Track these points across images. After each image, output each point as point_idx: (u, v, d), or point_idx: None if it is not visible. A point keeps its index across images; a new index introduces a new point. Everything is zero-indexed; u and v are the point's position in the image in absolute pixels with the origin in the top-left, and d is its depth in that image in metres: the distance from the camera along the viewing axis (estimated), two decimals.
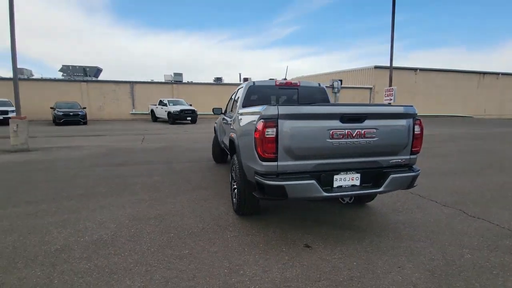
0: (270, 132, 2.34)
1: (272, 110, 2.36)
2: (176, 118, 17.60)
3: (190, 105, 19.58)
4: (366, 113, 2.54)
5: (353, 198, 2.81)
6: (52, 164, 6.28)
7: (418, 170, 2.82)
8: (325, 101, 4.42)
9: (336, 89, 28.92)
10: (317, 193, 2.44)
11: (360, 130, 2.51)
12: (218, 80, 34.00)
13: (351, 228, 3.05)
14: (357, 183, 2.66)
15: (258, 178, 2.47)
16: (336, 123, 2.46)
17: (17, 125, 8.12)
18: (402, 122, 2.68)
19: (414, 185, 2.84)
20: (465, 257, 2.46)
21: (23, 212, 3.41)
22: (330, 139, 2.44)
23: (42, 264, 2.30)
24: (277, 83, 4.23)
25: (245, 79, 34.38)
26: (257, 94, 4.17)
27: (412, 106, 2.74)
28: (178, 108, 17.84)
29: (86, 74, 29.66)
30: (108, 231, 2.92)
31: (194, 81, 29.83)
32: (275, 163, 2.42)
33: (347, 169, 2.63)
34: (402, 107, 2.72)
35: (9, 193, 4.18)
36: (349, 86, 29.74)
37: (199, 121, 19.36)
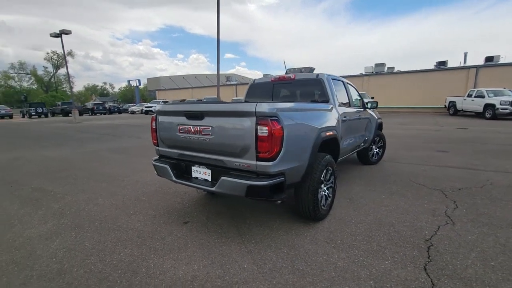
0: (153, 124, 3.13)
1: (156, 107, 3.12)
2: None
3: (372, 98, 18.45)
4: (201, 111, 2.52)
5: (205, 191, 2.72)
6: None
7: (265, 181, 2.23)
8: (321, 92, 3.66)
9: None
10: (169, 177, 2.90)
11: (198, 127, 2.57)
12: (441, 64, 27.80)
13: (248, 225, 2.93)
14: (209, 178, 2.68)
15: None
16: (183, 119, 2.72)
17: None
18: (240, 121, 2.28)
19: (264, 197, 2.29)
20: None
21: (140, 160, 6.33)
22: (178, 133, 2.77)
23: (94, 181, 4.73)
24: (272, 79, 4.12)
25: (488, 58, 25.13)
26: (257, 91, 4.35)
27: (257, 103, 2.20)
28: None
29: None
30: (139, 179, 4.93)
31: (396, 71, 26.64)
32: (157, 148, 3.17)
33: (200, 163, 2.73)
34: (243, 104, 2.28)
35: None
36: None
37: (382, 115, 17.93)
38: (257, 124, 2.23)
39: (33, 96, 50.87)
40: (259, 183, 2.26)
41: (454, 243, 2.58)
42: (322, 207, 3.01)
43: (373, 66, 27.41)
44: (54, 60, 54.92)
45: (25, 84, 57.67)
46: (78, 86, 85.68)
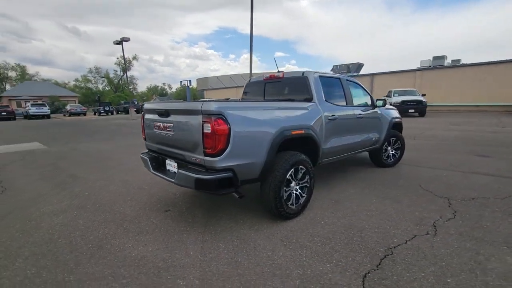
0: (142, 121, 3.49)
1: (145, 106, 3.47)
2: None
3: (423, 95, 16.67)
4: (166, 109, 2.74)
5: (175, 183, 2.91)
6: None
7: (211, 176, 2.35)
8: (306, 90, 3.57)
9: None
10: (149, 168, 3.21)
11: (165, 124, 2.81)
12: None
13: (218, 217, 3.11)
14: (176, 171, 2.90)
15: None
16: (156, 116, 2.99)
17: None
18: (192, 119, 2.44)
19: (212, 190, 2.42)
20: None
21: None
22: (154, 129, 3.06)
23: (116, 170, 5.37)
24: (264, 78, 4.15)
25: None
26: (252, 89, 4.42)
27: (203, 102, 2.33)
28: (399, 99, 16.17)
29: (349, 71, 34.03)
30: None
31: (459, 64, 23.43)
32: (145, 142, 3.53)
33: (171, 156, 2.98)
34: (194, 103, 2.43)
35: None
36: None
37: (436, 114, 16.13)
38: (203, 121, 2.39)
39: (106, 96, 58.67)
40: (204, 177, 2.42)
41: (420, 254, 2.35)
42: (291, 206, 3.01)
43: (431, 60, 24.61)
44: (122, 65, 62.43)
45: (100, 86, 66.92)
46: (142, 87, 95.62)
